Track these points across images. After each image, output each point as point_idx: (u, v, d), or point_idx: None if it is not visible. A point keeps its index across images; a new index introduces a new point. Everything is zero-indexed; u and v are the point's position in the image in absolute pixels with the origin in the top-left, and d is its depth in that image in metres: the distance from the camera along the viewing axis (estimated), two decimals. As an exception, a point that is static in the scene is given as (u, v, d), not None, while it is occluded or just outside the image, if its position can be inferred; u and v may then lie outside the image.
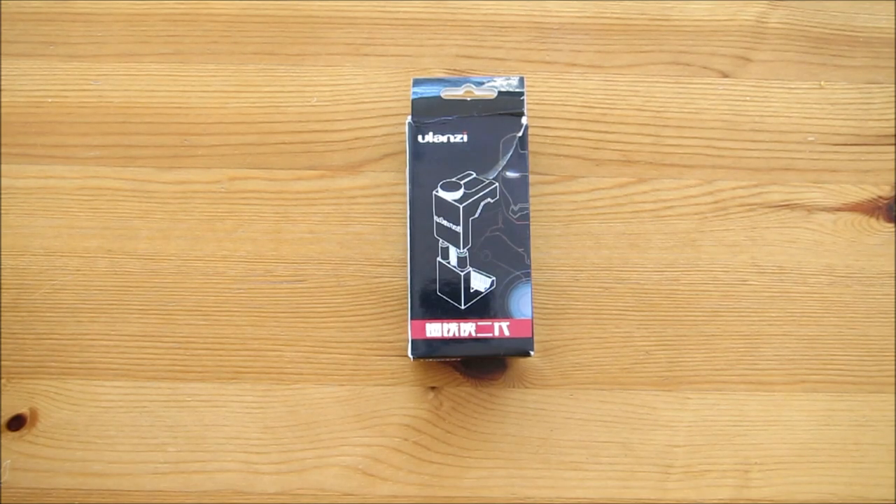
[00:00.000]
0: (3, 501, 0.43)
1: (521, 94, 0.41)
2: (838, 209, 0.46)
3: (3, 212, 0.45)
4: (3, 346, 0.44)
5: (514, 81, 0.42)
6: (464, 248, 0.40)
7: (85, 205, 0.45)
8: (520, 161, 0.40)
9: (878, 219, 0.46)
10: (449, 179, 0.40)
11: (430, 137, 0.41)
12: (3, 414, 0.44)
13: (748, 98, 0.46)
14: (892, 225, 0.46)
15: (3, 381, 0.44)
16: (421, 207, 0.40)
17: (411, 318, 0.40)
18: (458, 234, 0.40)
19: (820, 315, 0.45)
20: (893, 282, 0.45)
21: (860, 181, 0.46)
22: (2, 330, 0.44)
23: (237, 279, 0.45)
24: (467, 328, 0.39)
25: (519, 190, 0.40)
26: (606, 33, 0.47)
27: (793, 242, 0.45)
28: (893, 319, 0.45)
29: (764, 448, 0.44)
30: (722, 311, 0.45)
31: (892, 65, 0.47)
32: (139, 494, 0.43)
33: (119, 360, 0.44)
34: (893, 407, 0.44)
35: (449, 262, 0.40)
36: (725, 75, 0.47)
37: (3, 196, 0.45)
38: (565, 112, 0.46)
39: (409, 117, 0.41)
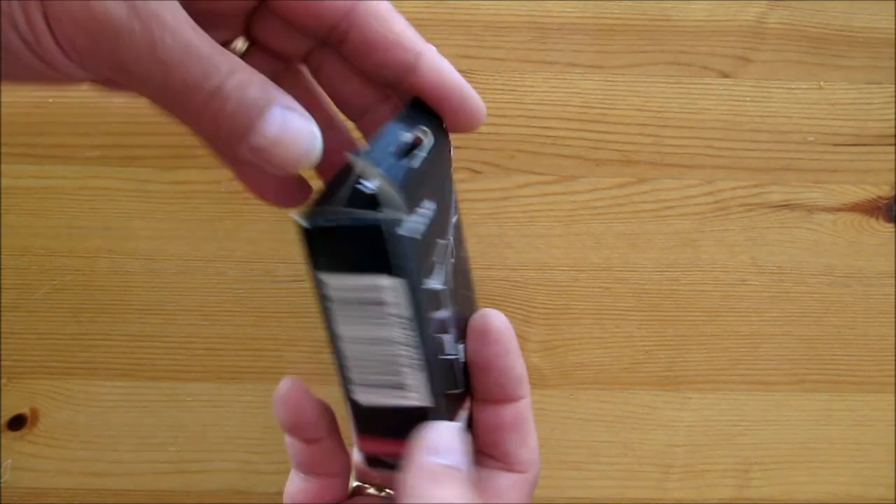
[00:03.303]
0: (3, 501, 0.43)
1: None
2: (838, 209, 0.46)
3: (3, 212, 0.45)
4: (3, 346, 0.44)
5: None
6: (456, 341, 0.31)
7: (85, 205, 0.45)
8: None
9: (878, 219, 0.46)
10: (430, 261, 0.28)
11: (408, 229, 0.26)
12: (3, 414, 0.44)
13: (748, 98, 0.46)
14: (892, 225, 0.46)
15: (3, 381, 0.44)
16: (425, 308, 0.28)
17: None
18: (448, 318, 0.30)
19: (820, 315, 0.45)
20: (893, 282, 0.45)
21: (860, 181, 0.46)
22: (2, 330, 0.44)
23: (237, 279, 0.45)
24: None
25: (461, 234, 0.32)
26: (606, 33, 0.47)
27: (793, 242, 0.45)
28: (893, 319, 0.45)
29: (764, 448, 0.44)
30: (722, 311, 0.45)
31: (892, 65, 0.47)
32: (140, 494, 0.43)
33: (119, 360, 0.44)
34: (893, 407, 0.44)
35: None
36: (725, 75, 0.47)
37: (3, 196, 0.45)
38: (565, 112, 0.46)
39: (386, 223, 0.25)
